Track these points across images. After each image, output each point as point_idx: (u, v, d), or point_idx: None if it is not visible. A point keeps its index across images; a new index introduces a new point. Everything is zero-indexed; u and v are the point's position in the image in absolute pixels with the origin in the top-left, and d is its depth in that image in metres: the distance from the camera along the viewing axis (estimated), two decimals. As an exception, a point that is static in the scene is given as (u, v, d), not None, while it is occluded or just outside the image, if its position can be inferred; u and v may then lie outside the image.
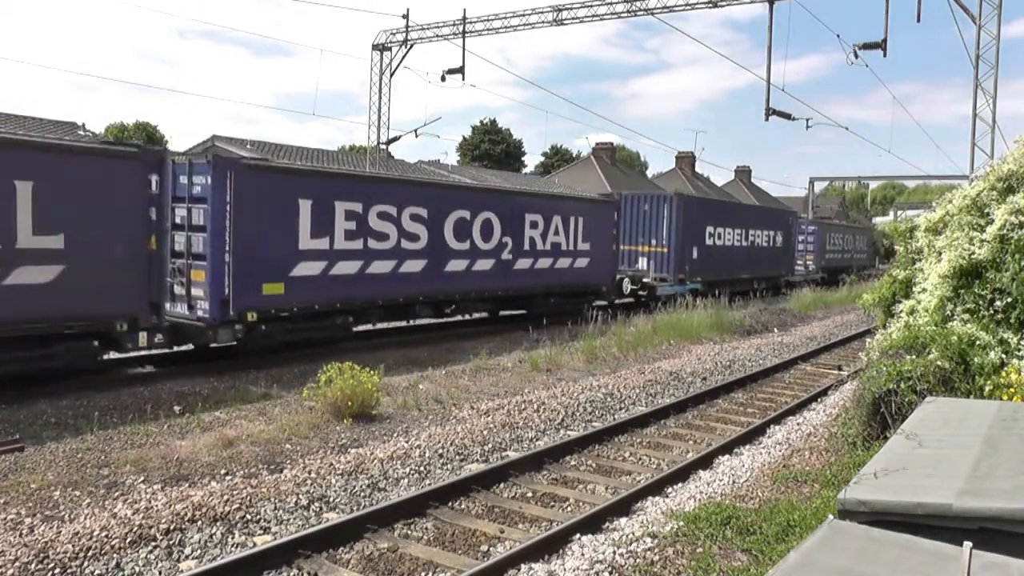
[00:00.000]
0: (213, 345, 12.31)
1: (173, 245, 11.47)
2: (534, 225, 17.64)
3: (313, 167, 14.56)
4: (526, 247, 17.46)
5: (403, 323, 16.07)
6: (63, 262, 9.59)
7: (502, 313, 18.13)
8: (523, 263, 17.41)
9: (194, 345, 12.50)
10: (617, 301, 21.33)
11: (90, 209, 9.82)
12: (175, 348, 12.36)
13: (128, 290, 10.28)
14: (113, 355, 11.32)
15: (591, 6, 29.02)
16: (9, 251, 9.08)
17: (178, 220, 11.60)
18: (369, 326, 15.01)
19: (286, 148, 33.00)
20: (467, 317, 17.75)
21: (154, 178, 10.49)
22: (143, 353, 11.52)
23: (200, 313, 11.56)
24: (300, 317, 12.87)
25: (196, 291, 11.58)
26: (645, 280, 22.66)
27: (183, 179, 11.58)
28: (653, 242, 23.18)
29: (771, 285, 30.13)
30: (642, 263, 23.26)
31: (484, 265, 16.33)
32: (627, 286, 22.00)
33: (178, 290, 11.63)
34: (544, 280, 18.05)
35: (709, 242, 25.14)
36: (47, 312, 9.51)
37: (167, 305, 11.16)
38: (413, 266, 14.66)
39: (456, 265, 15.67)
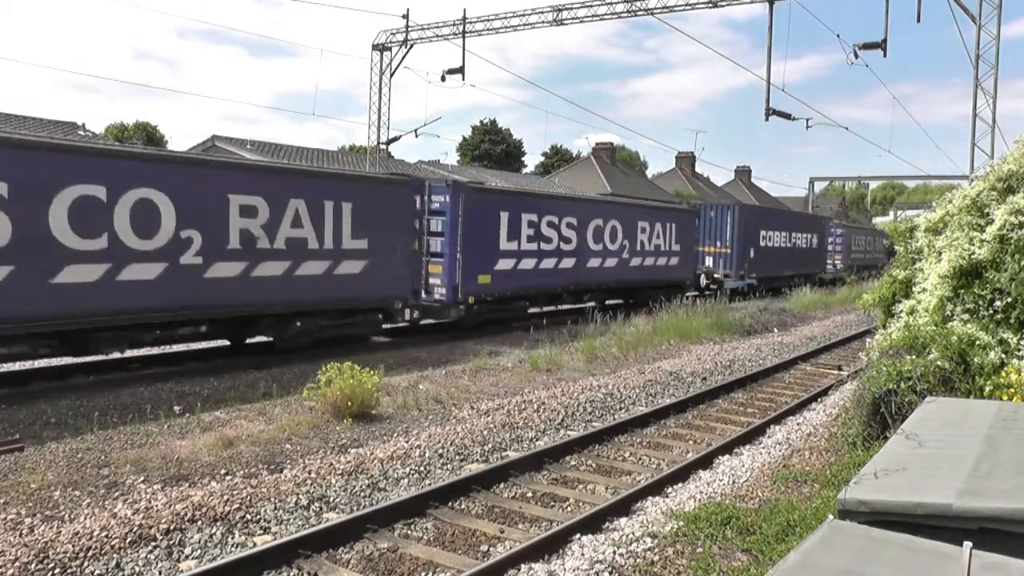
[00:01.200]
0: (425, 321, 16.03)
1: None
2: (643, 230, 21.83)
3: (509, 188, 21.28)
4: (638, 248, 21.66)
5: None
6: (367, 258, 13.57)
7: (608, 302, 21.80)
8: (635, 261, 21.65)
9: (409, 323, 15.59)
10: (690, 294, 24.80)
11: (382, 221, 13.85)
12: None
13: (401, 279, 14.43)
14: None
15: (591, 6, 29.04)
16: (339, 250, 13.08)
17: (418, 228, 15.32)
18: (537, 308, 19.31)
19: (286, 148, 33.05)
20: (594, 304, 21.21)
21: (418, 198, 14.99)
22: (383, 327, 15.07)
23: (437, 296, 15.72)
24: (498, 301, 17.09)
25: (433, 280, 15.73)
26: (715, 275, 27.14)
27: (424, 197, 15.51)
28: (718, 244, 27.39)
29: (808, 281, 33.40)
30: (708, 262, 27.48)
31: (611, 263, 20.60)
32: (703, 280, 26.69)
33: None
34: (649, 275, 22.31)
35: (762, 244, 29.45)
36: (356, 293, 13.55)
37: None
38: (567, 263, 18.97)
39: (594, 262, 19.94)
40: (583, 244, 19.36)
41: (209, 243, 11.23)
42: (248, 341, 13.41)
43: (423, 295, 15.36)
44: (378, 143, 34.90)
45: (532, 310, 18.80)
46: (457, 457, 8.09)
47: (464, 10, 31.18)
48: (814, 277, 34.56)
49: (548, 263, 18.26)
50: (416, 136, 34.00)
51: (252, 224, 11.74)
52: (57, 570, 5.19)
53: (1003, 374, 7.47)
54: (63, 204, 9.67)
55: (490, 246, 16.54)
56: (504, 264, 16.95)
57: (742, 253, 27.64)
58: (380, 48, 34.05)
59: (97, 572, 5.23)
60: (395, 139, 35.00)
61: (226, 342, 13.45)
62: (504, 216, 16.88)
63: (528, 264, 17.65)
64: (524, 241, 17.47)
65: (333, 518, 6.30)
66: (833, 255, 39.81)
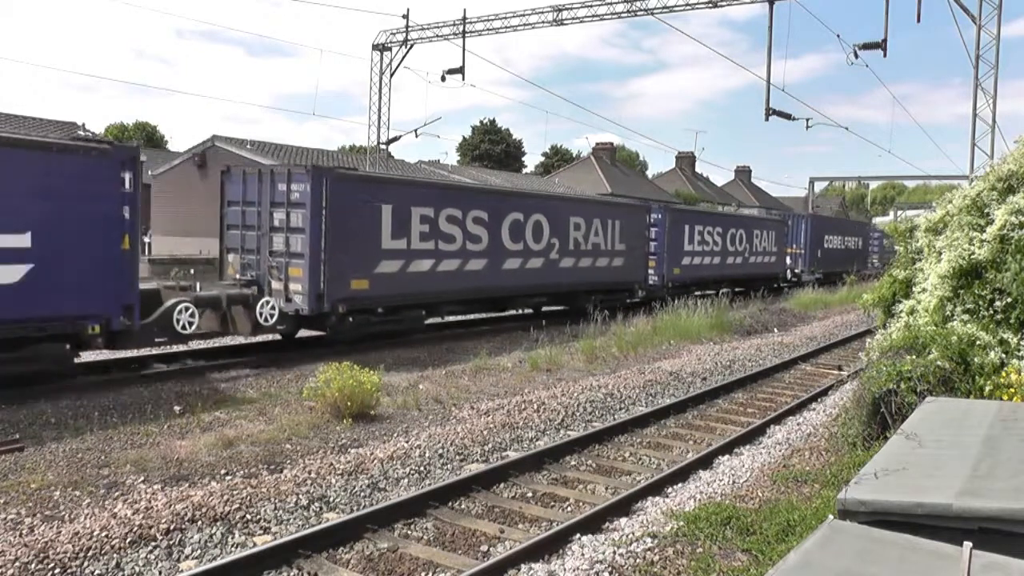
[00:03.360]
0: (633, 299, 22.45)
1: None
2: (757, 236, 29.89)
3: (688, 208, 30.83)
4: (754, 250, 29.67)
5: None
6: (625, 256, 21.20)
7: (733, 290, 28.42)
8: (753, 259, 29.63)
9: (639, 299, 22.55)
10: (774, 285, 32.35)
11: (632, 232, 21.54)
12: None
13: (639, 269, 22.13)
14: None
15: (591, 6, 29.02)
16: (610, 251, 20.57)
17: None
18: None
19: (286, 148, 33.03)
20: (735, 290, 27.83)
21: (647, 217, 22.83)
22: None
23: (651, 282, 23.03)
24: (683, 286, 24.33)
25: (649, 271, 22.95)
26: (795, 270, 34.72)
27: (648, 216, 23.07)
28: (794, 246, 34.64)
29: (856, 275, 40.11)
30: (788, 260, 34.36)
31: (739, 260, 28.47)
32: (789, 274, 34.08)
33: None
34: (759, 270, 30.27)
35: (826, 246, 37.25)
36: (614, 280, 20.92)
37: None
38: (715, 260, 26.83)
39: (730, 260, 27.79)
40: (724, 247, 26.91)
41: (561, 246, 18.59)
42: (544, 309, 19.72)
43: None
44: (378, 143, 34.89)
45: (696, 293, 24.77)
46: (457, 457, 8.09)
47: (464, 10, 31.16)
48: (859, 273, 40.58)
49: (706, 260, 25.99)
50: (416, 136, 33.99)
51: (578, 234, 19.23)
52: (57, 570, 5.19)
53: (1003, 374, 7.47)
54: (506, 224, 16.92)
55: (680, 248, 24.26)
56: (686, 260, 24.68)
57: (812, 253, 35.44)
58: (380, 48, 34.03)
59: (97, 572, 5.23)
60: (395, 139, 34.98)
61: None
62: (686, 227, 24.60)
63: (696, 260, 25.35)
64: (695, 245, 25.17)
65: (333, 518, 6.30)
66: (872, 255, 47.44)
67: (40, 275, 9.27)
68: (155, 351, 12.43)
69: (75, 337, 9.95)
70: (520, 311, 19.16)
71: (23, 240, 9.16)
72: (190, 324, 11.28)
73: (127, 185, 10.07)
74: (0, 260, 9.00)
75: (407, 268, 14.60)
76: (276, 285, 13.33)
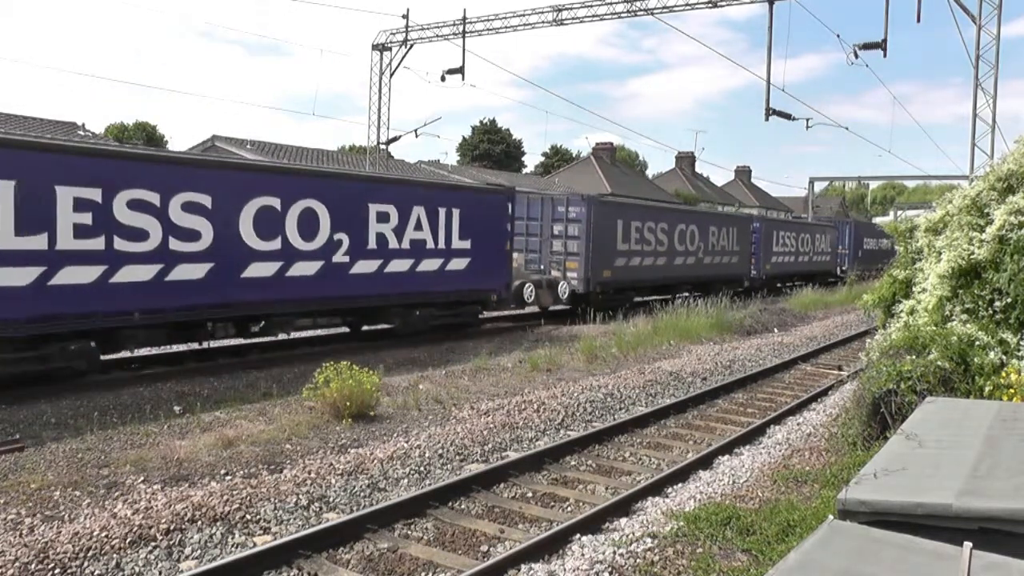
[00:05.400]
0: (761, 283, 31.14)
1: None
2: (816, 240, 36.86)
3: (762, 216, 38.69)
4: (816, 250, 36.70)
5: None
6: (737, 256, 27.79)
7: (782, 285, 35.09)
8: (815, 258, 36.90)
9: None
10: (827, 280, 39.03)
11: (742, 237, 28.04)
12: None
13: (745, 266, 28.58)
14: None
15: (591, 6, 29.03)
16: (730, 251, 27.14)
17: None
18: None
19: (286, 148, 33.03)
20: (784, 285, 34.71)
21: (751, 225, 29.61)
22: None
23: (752, 275, 28.95)
24: (773, 278, 32.08)
25: (838, 259, 38.03)
26: (842, 268, 40.68)
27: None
28: (840, 248, 41.25)
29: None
30: (837, 259, 42.30)
31: (806, 259, 35.51)
32: (837, 271, 40.07)
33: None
34: (817, 267, 37.03)
35: (864, 247, 43.78)
36: (732, 273, 27.69)
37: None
38: (791, 259, 33.68)
39: (801, 259, 34.88)
40: (797, 248, 34.19)
41: (704, 248, 25.07)
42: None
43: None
44: (378, 143, 34.89)
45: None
46: (457, 457, 8.09)
47: (464, 10, 31.18)
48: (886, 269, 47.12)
49: (785, 259, 32.89)
50: (416, 136, 34.01)
51: (714, 239, 25.73)
52: (57, 570, 5.19)
53: (1003, 374, 7.46)
54: (676, 232, 23.23)
55: (770, 250, 31.17)
56: (774, 259, 31.40)
57: (854, 253, 41.73)
58: (380, 48, 34.04)
59: (97, 572, 5.23)
60: (395, 139, 34.98)
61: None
62: (774, 233, 31.47)
63: (780, 259, 32.36)
64: (779, 247, 31.89)
65: (333, 518, 6.30)
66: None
67: (473, 264, 15.57)
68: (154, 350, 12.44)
69: (483, 302, 16.51)
70: (674, 296, 23.59)
71: (467, 244, 15.46)
72: (530, 297, 18.48)
73: (509, 211, 16.80)
74: (459, 256, 15.25)
75: (628, 263, 21.46)
76: (555, 274, 19.95)
